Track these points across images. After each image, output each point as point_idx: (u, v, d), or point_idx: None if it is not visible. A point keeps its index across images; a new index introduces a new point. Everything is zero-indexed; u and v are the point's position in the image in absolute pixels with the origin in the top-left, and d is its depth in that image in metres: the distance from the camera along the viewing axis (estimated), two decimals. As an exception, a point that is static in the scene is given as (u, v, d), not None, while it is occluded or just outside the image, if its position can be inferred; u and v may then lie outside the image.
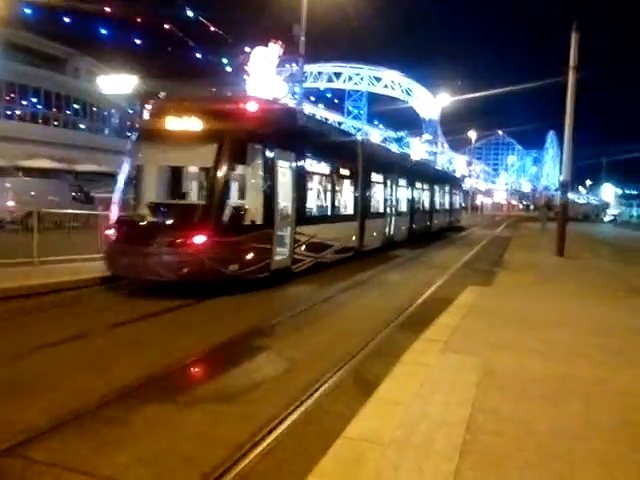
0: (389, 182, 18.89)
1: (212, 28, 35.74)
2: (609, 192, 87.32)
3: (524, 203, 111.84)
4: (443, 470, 3.26)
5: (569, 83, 18.10)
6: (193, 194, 11.08)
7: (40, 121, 38.56)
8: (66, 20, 37.41)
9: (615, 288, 11.27)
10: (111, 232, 9.63)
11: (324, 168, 13.54)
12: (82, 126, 42.84)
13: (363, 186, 15.92)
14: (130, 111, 45.10)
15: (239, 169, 9.93)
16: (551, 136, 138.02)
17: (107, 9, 33.52)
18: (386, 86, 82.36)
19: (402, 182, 20.89)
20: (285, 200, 10.83)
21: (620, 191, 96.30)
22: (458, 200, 36.80)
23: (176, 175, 10.89)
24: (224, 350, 6.28)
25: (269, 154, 10.15)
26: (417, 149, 67.86)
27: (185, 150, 9.62)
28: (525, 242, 23.55)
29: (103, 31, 38.07)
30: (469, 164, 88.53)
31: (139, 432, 4.04)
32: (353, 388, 5.09)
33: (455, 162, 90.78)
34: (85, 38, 41.36)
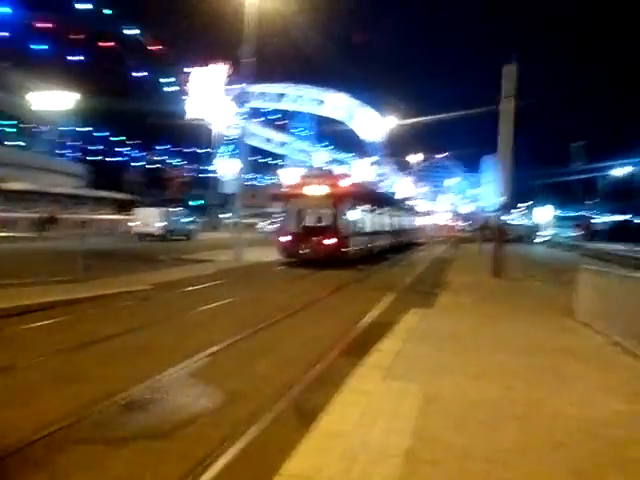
0: (392, 213, 32.64)
1: (152, 47, 35.34)
2: (541, 214, 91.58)
3: (464, 224, 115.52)
4: (382, 505, 3.22)
5: (506, 110, 18.98)
6: (323, 221, 21.67)
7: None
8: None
9: (548, 308, 11.72)
10: (285, 239, 21.21)
11: (370, 208, 25.83)
12: (10, 143, 41.03)
13: (381, 215, 28.90)
14: (65, 128, 43.69)
15: (340, 210, 21.11)
16: (489, 159, 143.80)
17: (42, 25, 32.54)
18: (330, 108, 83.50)
19: (396, 212, 34.34)
20: (356, 223, 22.61)
21: (552, 213, 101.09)
22: (418, 222, 49.43)
23: (313, 213, 21.96)
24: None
25: (350, 204, 21.63)
26: (363, 171, 69.05)
27: (316, 202, 21.44)
28: (465, 263, 24.25)
29: (37, 46, 36.88)
30: (412, 186, 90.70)
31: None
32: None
33: (399, 184, 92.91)
34: (18, 52, 39.99)
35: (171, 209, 36.84)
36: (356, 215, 22.71)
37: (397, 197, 44.86)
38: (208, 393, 5.66)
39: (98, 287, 11.90)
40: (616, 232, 68.73)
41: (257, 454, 4.20)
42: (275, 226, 27.45)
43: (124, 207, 56.60)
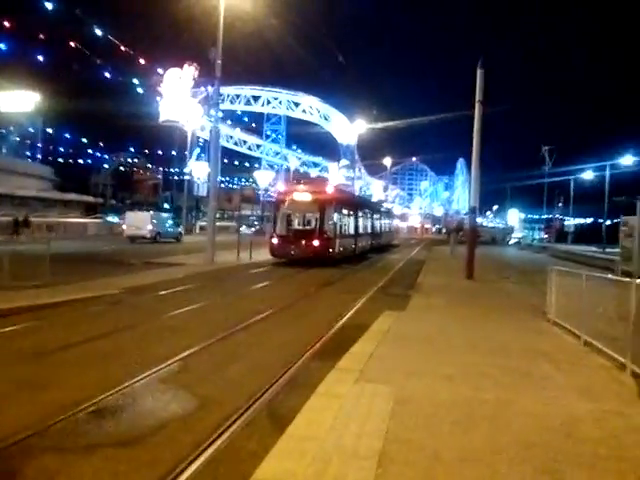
0: (372, 216, 34.54)
1: (122, 47, 34.75)
2: (514, 217, 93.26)
3: (437, 227, 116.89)
4: (354, 508, 3.20)
5: (476, 115, 19.30)
6: (311, 224, 23.40)
7: None
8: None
9: (520, 309, 11.92)
10: (275, 240, 22.54)
11: (353, 213, 27.94)
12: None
13: (363, 219, 30.83)
14: (31, 130, 42.63)
15: (326, 214, 22.67)
16: (461, 163, 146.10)
17: (6, 23, 31.71)
18: (304, 111, 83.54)
19: (374, 216, 35.73)
20: (340, 227, 24.51)
21: (523, 216, 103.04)
22: (393, 225, 50.86)
23: (301, 217, 23.87)
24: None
25: (336, 208, 23.64)
26: (335, 174, 69.24)
27: (305, 207, 23.15)
28: (437, 265, 24.50)
29: (1, 46, 35.89)
30: (385, 189, 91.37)
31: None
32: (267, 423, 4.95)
33: (372, 187, 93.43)
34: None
35: (161, 213, 37.56)
36: (340, 219, 24.87)
37: (375, 202, 49.05)
38: (179, 399, 5.57)
39: (66, 292, 11.63)
40: (584, 234, 70.48)
41: (229, 459, 4.15)
42: (253, 229, 35.44)
43: (92, 210, 55.57)
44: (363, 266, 24.34)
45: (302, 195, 23.13)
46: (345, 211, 26.05)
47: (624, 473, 3.86)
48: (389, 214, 48.69)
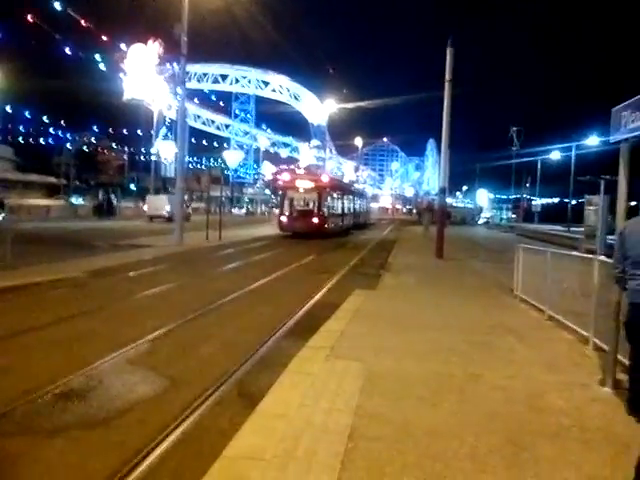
0: (353, 199, 40.69)
1: (83, 22, 33.44)
2: (483, 197, 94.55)
3: (407, 207, 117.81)
4: (324, 483, 3.22)
5: (445, 95, 19.35)
6: (309, 206, 29.80)
7: None
8: None
9: (486, 287, 12.14)
10: (283, 218, 29.24)
11: (340, 196, 34.34)
12: None
13: (347, 201, 37.02)
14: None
15: (322, 198, 29.19)
16: (431, 144, 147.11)
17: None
18: (274, 90, 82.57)
19: (355, 199, 41.88)
20: (332, 207, 31.50)
21: (492, 196, 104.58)
22: (369, 206, 56.91)
23: (303, 199, 30.16)
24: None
25: (329, 193, 30.79)
26: (306, 155, 68.89)
27: (305, 192, 29.83)
28: (408, 245, 24.76)
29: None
30: (356, 170, 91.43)
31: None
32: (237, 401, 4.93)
33: (343, 168, 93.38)
34: None
35: (172, 196, 39.18)
36: (332, 202, 32.00)
37: (357, 187, 55.61)
38: (148, 380, 5.49)
39: (29, 274, 11.30)
40: (550, 213, 72.07)
41: (199, 438, 4.12)
42: (244, 211, 47.61)
43: (55, 191, 53.96)
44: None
45: (303, 183, 30.07)
46: (335, 195, 33.03)
47: (587, 442, 3.97)
48: (366, 197, 55.50)
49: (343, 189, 37.10)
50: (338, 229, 32.02)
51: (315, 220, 28.56)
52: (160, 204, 40.51)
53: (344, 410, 4.35)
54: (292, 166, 55.53)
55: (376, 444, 3.77)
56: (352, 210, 39.41)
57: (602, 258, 6.53)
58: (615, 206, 5.45)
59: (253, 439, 3.80)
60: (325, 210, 29.52)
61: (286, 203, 30.00)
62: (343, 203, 35.12)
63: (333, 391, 4.80)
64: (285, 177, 32.40)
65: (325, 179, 30.99)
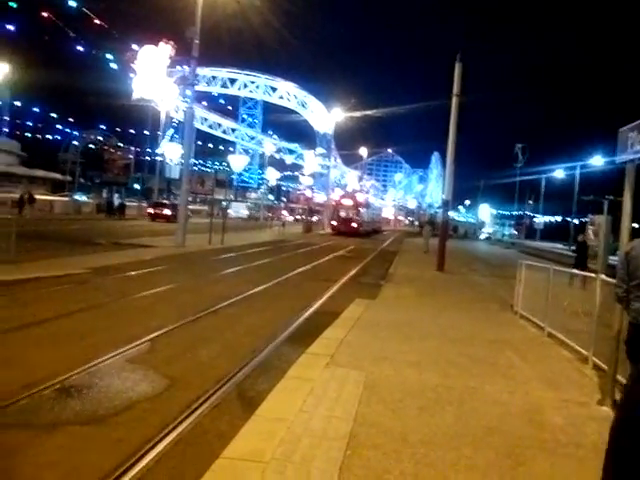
0: (373, 212, 62.53)
1: (97, 21, 33.66)
2: (485, 212, 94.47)
3: (410, 219, 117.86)
4: (322, 488, 3.24)
5: (452, 108, 19.44)
6: (349, 215, 49.31)
7: None
8: None
9: (487, 301, 12.15)
10: (334, 223, 48.75)
11: (366, 210, 54.39)
12: None
13: (370, 213, 58.16)
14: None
15: (358, 211, 49.38)
16: (436, 156, 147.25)
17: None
18: (282, 97, 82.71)
19: (374, 211, 62.58)
20: (363, 217, 51.12)
21: (495, 211, 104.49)
22: (379, 217, 73.99)
23: (345, 212, 48.76)
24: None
25: (362, 209, 50.70)
26: (310, 162, 69.01)
27: (347, 207, 49.35)
28: (409, 257, 24.77)
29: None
30: (360, 179, 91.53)
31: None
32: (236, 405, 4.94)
33: (347, 177, 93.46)
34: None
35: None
36: (363, 214, 49.24)
37: (374, 203, 73.56)
38: (147, 379, 5.51)
39: (33, 269, 11.34)
40: (551, 231, 72.06)
41: (198, 439, 4.13)
42: (247, 214, 64.93)
43: (60, 188, 53.99)
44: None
45: (345, 200, 49.54)
46: (364, 209, 50.48)
47: (582, 458, 3.99)
48: (380, 209, 78.39)
49: (368, 205, 56.28)
50: (365, 232, 49.02)
51: (354, 225, 45.97)
52: (238, 208, 59.63)
53: (343, 417, 4.37)
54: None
55: (374, 452, 3.79)
56: (372, 219, 57.58)
57: (603, 277, 6.55)
58: (618, 226, 5.47)
59: (251, 442, 3.82)
60: (358, 219, 47.16)
61: (335, 214, 48.48)
62: (368, 214, 53.49)
63: (332, 398, 4.82)
64: (335, 197, 53.49)
65: (360, 198, 51.76)
